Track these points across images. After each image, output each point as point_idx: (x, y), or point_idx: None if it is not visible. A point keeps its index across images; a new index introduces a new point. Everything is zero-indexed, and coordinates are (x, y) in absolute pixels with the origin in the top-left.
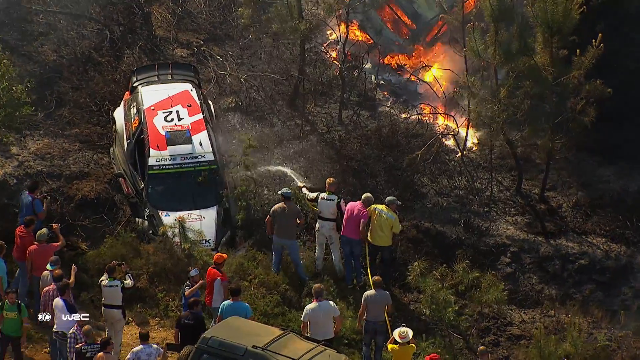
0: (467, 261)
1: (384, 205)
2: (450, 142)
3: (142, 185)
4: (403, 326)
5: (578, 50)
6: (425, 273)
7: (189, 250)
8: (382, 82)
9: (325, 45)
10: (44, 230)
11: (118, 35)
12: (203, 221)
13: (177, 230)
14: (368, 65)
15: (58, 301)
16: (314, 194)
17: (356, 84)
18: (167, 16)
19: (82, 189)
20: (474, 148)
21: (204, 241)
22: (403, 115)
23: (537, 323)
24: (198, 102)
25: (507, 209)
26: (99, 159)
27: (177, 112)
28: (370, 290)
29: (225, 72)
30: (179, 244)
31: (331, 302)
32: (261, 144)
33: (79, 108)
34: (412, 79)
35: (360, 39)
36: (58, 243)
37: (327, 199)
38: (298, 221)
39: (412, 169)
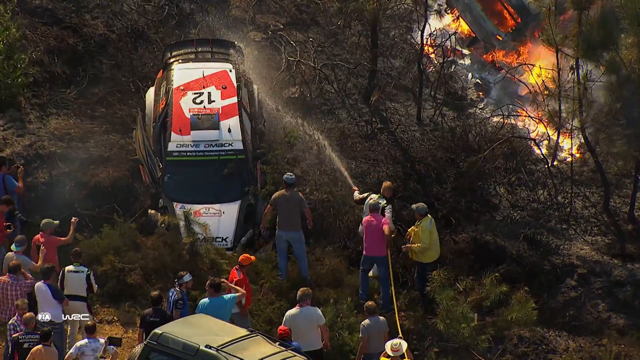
0: (496, 274)
1: (419, 221)
2: (540, 150)
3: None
4: (398, 338)
5: None
6: (447, 285)
7: (192, 245)
8: (478, 80)
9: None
10: (55, 222)
11: (185, 13)
12: (222, 217)
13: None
14: (466, 61)
15: (41, 286)
16: (364, 194)
17: (445, 80)
18: None
19: (98, 175)
20: (568, 159)
21: (219, 239)
22: (495, 119)
23: (581, 352)
24: (235, 85)
25: (588, 228)
26: (126, 143)
27: (209, 93)
28: (366, 320)
29: (294, 59)
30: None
31: (316, 309)
32: (324, 139)
33: (117, 87)
34: (514, 79)
35: (464, 30)
36: (64, 238)
37: (376, 202)
38: (306, 216)
39: (480, 175)
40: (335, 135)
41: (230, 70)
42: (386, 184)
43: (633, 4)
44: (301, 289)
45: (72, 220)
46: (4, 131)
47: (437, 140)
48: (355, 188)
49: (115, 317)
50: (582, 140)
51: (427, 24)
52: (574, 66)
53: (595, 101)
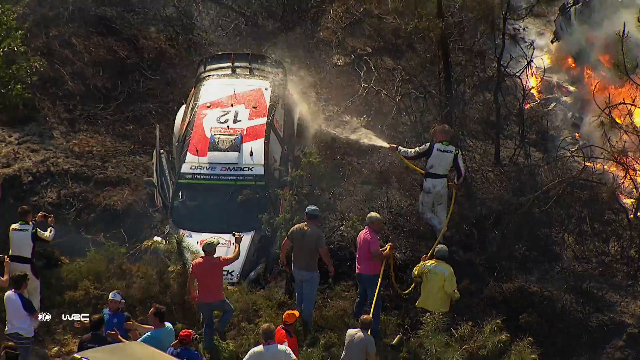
0: (498, 321)
1: (433, 260)
2: (618, 199)
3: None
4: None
5: None
6: (442, 329)
7: (182, 275)
8: (575, 121)
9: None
10: (215, 240)
11: (266, 31)
12: (231, 248)
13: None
14: (569, 100)
15: (11, 295)
16: (419, 147)
17: (537, 117)
18: (342, 17)
19: (111, 197)
20: None
21: (224, 272)
22: (586, 164)
23: None
24: (268, 104)
25: None
26: (152, 165)
27: (236, 112)
28: (355, 330)
29: (368, 86)
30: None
31: (282, 347)
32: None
33: (159, 104)
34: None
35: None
36: (230, 256)
37: (445, 151)
38: (323, 258)
39: (547, 221)
40: (396, 170)
41: (266, 89)
42: (444, 127)
43: None
44: (265, 324)
45: (237, 236)
46: (17, 145)
47: (509, 182)
48: (393, 145)
49: None
50: None
51: (504, 51)
52: None
53: None
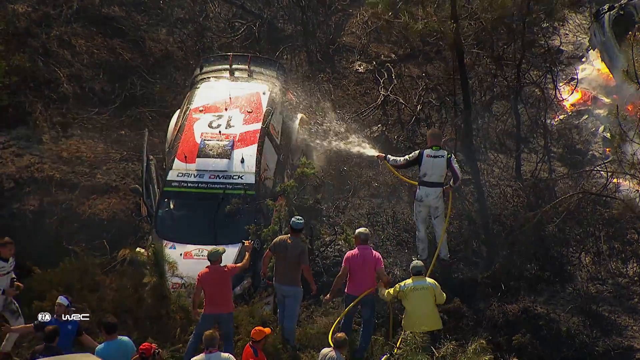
0: (482, 341)
1: (411, 278)
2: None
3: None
4: None
5: None
6: (423, 348)
7: (158, 288)
8: (607, 134)
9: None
10: (221, 248)
11: (285, 35)
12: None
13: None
14: (603, 112)
15: None
16: (409, 155)
17: (567, 131)
18: (368, 21)
19: (96, 206)
20: None
21: None
22: (614, 180)
23: None
24: (264, 109)
25: None
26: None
27: (230, 117)
28: (328, 349)
29: (385, 94)
30: (174, 285)
31: (225, 355)
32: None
33: (160, 109)
34: None
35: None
36: (240, 264)
37: (436, 156)
38: (304, 274)
39: (562, 239)
40: (407, 184)
41: (264, 93)
42: (433, 130)
43: None
44: (207, 332)
45: (247, 244)
46: (2, 149)
47: (526, 197)
48: (382, 154)
49: None
50: None
51: (523, 57)
52: None
53: None
